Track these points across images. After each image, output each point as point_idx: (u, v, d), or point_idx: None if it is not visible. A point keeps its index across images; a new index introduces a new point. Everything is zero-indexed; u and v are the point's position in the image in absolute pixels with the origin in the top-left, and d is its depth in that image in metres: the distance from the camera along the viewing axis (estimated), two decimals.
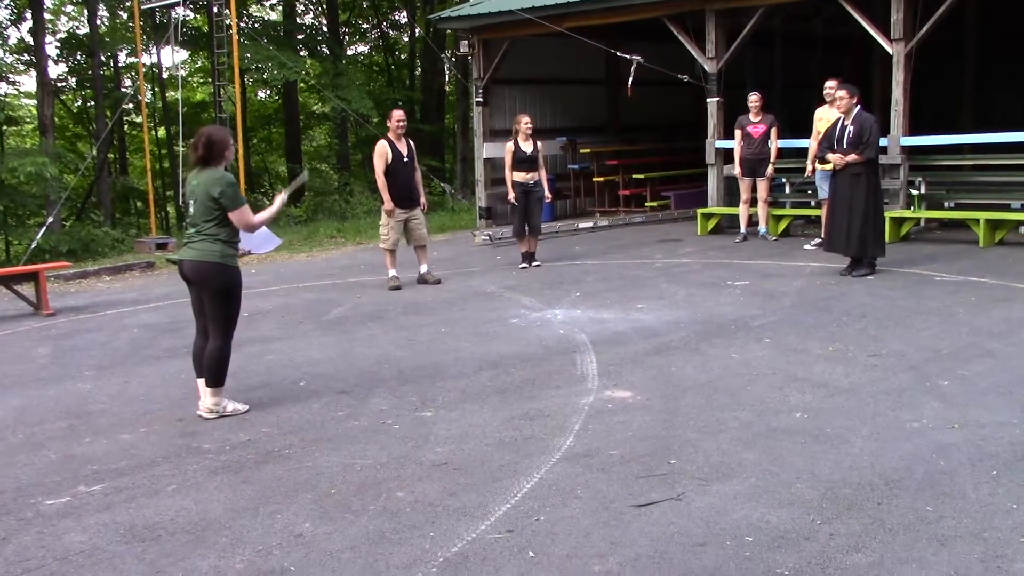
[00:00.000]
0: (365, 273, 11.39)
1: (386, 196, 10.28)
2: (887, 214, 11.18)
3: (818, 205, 11.82)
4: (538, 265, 11.40)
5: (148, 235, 17.68)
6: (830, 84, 11.22)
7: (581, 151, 17.61)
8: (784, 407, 5.45)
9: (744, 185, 12.53)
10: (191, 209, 5.82)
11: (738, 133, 12.41)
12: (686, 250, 12.22)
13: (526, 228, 11.39)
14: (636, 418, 5.38)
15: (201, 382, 5.93)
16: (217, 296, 5.84)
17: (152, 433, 5.64)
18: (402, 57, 34.44)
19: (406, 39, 33.55)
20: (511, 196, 11.29)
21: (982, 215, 11.31)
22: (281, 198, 6.38)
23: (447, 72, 29.64)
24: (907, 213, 12.06)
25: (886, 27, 12.08)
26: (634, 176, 17.19)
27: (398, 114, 10.49)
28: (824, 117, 11.26)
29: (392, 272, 10.54)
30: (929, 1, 11.89)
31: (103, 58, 25.90)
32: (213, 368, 5.84)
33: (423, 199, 10.69)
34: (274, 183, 34.03)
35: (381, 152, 10.27)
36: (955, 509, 3.98)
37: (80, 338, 8.81)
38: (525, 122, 11.25)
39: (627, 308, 8.56)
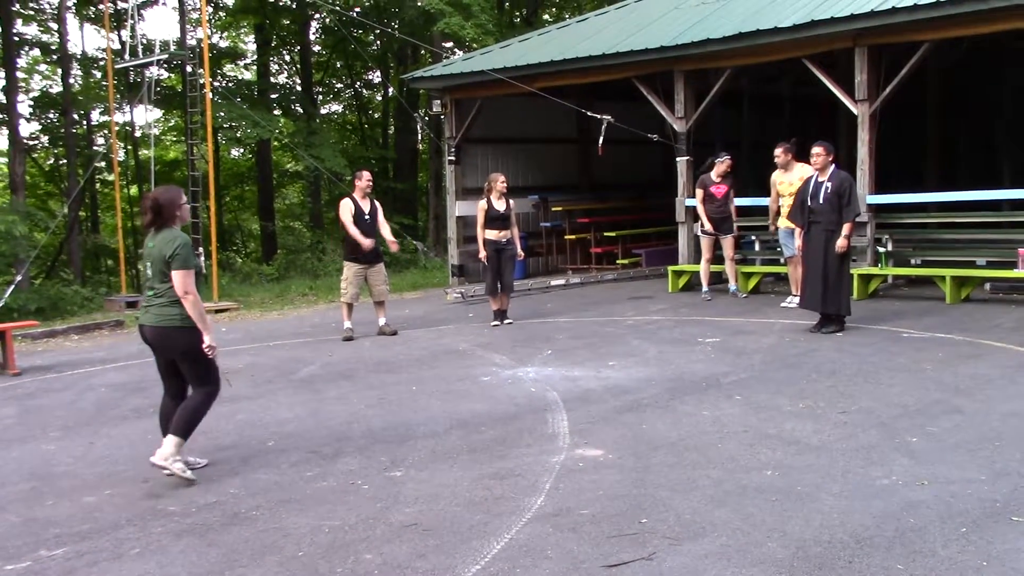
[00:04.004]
0: (336, 331, 11.35)
1: (358, 235, 10.84)
2: (855, 271, 11.31)
3: (786, 263, 11.93)
4: (510, 323, 11.41)
5: (118, 293, 17.58)
6: (779, 151, 11.41)
7: (553, 209, 17.76)
8: (755, 464, 5.45)
9: (706, 243, 12.62)
10: (148, 272, 5.76)
11: (699, 192, 12.52)
12: (657, 307, 12.27)
13: (499, 286, 11.43)
14: (607, 477, 5.36)
15: (168, 438, 5.76)
16: (186, 358, 5.75)
17: (116, 495, 5.55)
18: (375, 116, 34.74)
19: (379, 98, 33.86)
20: (481, 254, 11.38)
21: (948, 272, 11.46)
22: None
23: (420, 131, 29.88)
24: (875, 270, 12.20)
25: (851, 88, 12.32)
26: (606, 234, 17.35)
27: (367, 175, 11.28)
28: (783, 180, 11.41)
29: (347, 324, 11.12)
30: (892, 62, 12.17)
31: (76, 116, 25.93)
32: (185, 417, 5.70)
33: (391, 239, 11.19)
34: (247, 241, 33.99)
35: (346, 207, 11.01)
36: (925, 567, 3.97)
37: (46, 398, 8.69)
38: (501, 181, 11.39)
39: (598, 366, 8.56)
